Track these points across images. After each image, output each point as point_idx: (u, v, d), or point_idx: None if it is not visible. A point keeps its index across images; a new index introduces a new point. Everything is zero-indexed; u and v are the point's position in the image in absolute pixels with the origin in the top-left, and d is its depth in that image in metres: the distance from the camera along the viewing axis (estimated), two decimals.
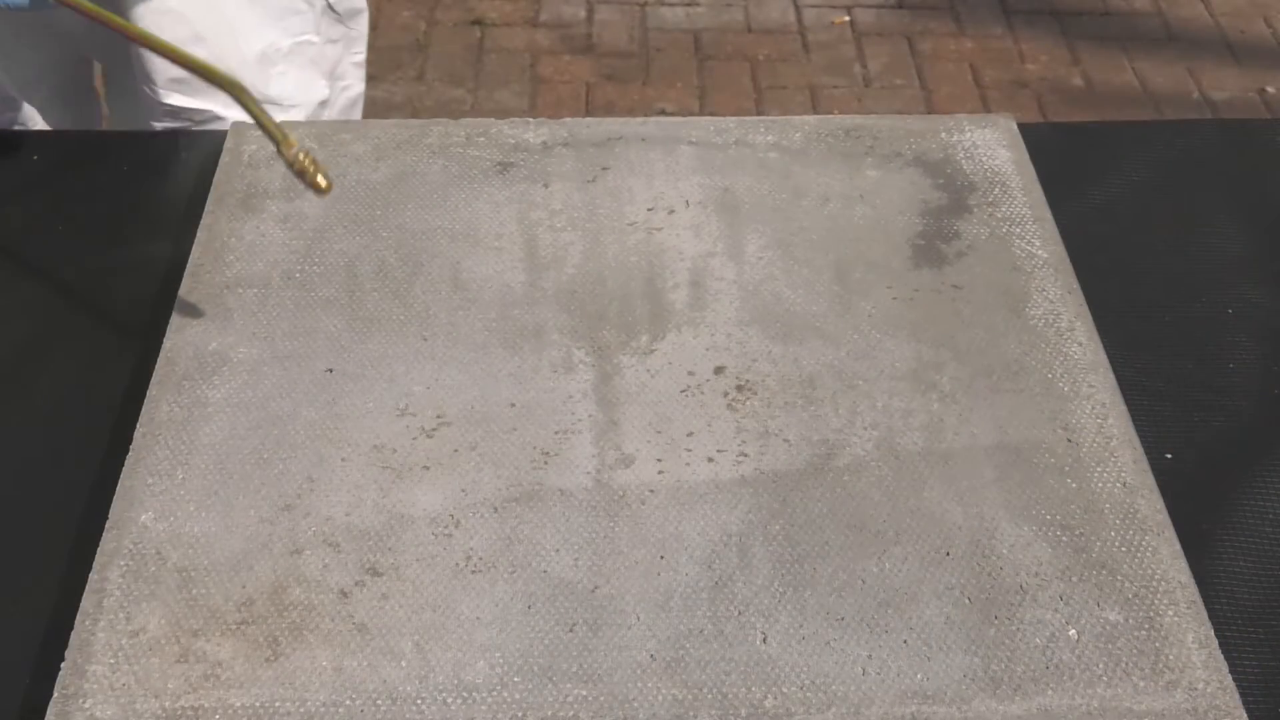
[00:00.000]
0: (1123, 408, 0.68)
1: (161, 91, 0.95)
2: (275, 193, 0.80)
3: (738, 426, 0.67)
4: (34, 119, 1.03)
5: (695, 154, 0.83)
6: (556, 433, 0.66)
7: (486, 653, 0.57)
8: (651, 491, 0.64)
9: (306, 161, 0.65)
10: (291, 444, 0.66)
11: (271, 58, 0.96)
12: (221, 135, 0.84)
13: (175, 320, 0.72)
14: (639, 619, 0.59)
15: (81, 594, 0.59)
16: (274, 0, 0.96)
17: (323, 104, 1.04)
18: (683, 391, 0.69)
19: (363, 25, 1.07)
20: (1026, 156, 0.83)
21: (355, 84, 1.08)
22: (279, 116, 0.97)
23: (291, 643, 0.58)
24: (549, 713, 0.56)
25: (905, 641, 0.58)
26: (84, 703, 0.55)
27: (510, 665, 0.57)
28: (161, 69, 0.93)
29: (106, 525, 0.62)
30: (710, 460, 0.65)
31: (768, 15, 2.44)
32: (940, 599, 0.60)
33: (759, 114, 2.16)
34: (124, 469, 0.64)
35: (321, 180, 0.66)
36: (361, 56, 1.08)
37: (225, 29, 0.93)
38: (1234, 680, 0.57)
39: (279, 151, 0.65)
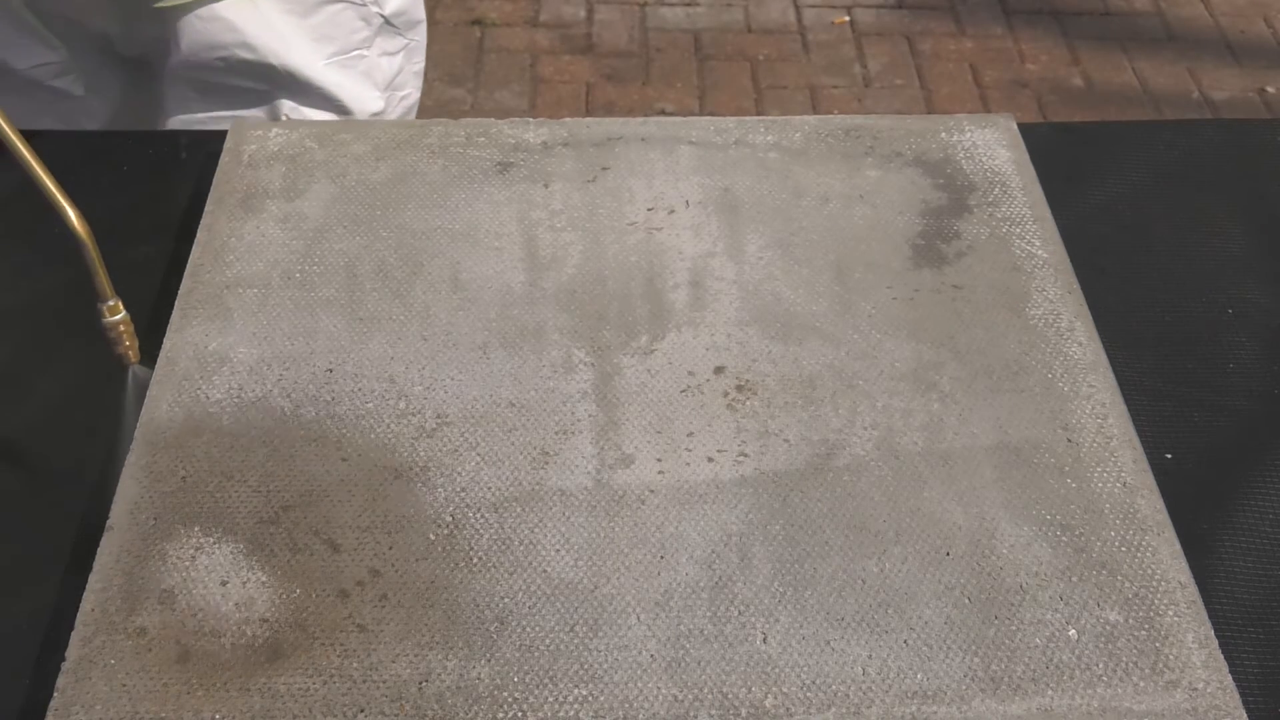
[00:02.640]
0: (1123, 408, 0.68)
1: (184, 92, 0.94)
2: (275, 193, 0.80)
3: (738, 426, 0.67)
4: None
5: (695, 154, 0.83)
6: (556, 433, 0.66)
7: (486, 653, 0.57)
8: (651, 491, 0.64)
9: (123, 330, 0.65)
10: (292, 444, 0.66)
11: (323, 71, 0.96)
12: (221, 135, 0.84)
13: (175, 320, 0.72)
14: (639, 619, 0.59)
15: (81, 594, 0.59)
16: (327, 15, 0.96)
17: (376, 115, 1.03)
18: (683, 391, 0.69)
19: (421, 35, 1.06)
20: (1026, 156, 0.83)
21: (413, 92, 1.08)
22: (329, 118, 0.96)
23: (291, 643, 0.58)
24: (549, 713, 0.56)
25: (905, 641, 0.58)
26: (83, 703, 0.55)
27: (510, 665, 0.57)
28: (190, 73, 0.92)
29: (106, 525, 0.62)
30: (710, 460, 0.65)
31: (768, 15, 2.44)
32: (940, 599, 0.60)
33: (759, 114, 2.15)
34: (124, 469, 0.64)
35: (131, 354, 0.66)
36: (420, 65, 1.08)
37: (276, 40, 0.92)
38: (1234, 680, 0.57)
39: (99, 308, 0.64)
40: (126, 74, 0.98)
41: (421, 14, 1.05)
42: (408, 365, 0.70)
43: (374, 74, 1.01)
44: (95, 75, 0.96)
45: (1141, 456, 0.66)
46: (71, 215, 0.61)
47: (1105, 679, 0.57)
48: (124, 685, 0.56)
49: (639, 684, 0.57)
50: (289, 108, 0.98)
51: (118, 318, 0.65)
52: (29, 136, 0.61)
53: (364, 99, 1.01)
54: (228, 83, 0.95)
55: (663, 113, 2.20)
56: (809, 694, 0.56)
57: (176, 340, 0.71)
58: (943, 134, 0.85)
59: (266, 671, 0.57)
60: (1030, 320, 0.73)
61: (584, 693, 0.56)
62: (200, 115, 0.97)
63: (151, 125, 0.99)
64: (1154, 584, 0.60)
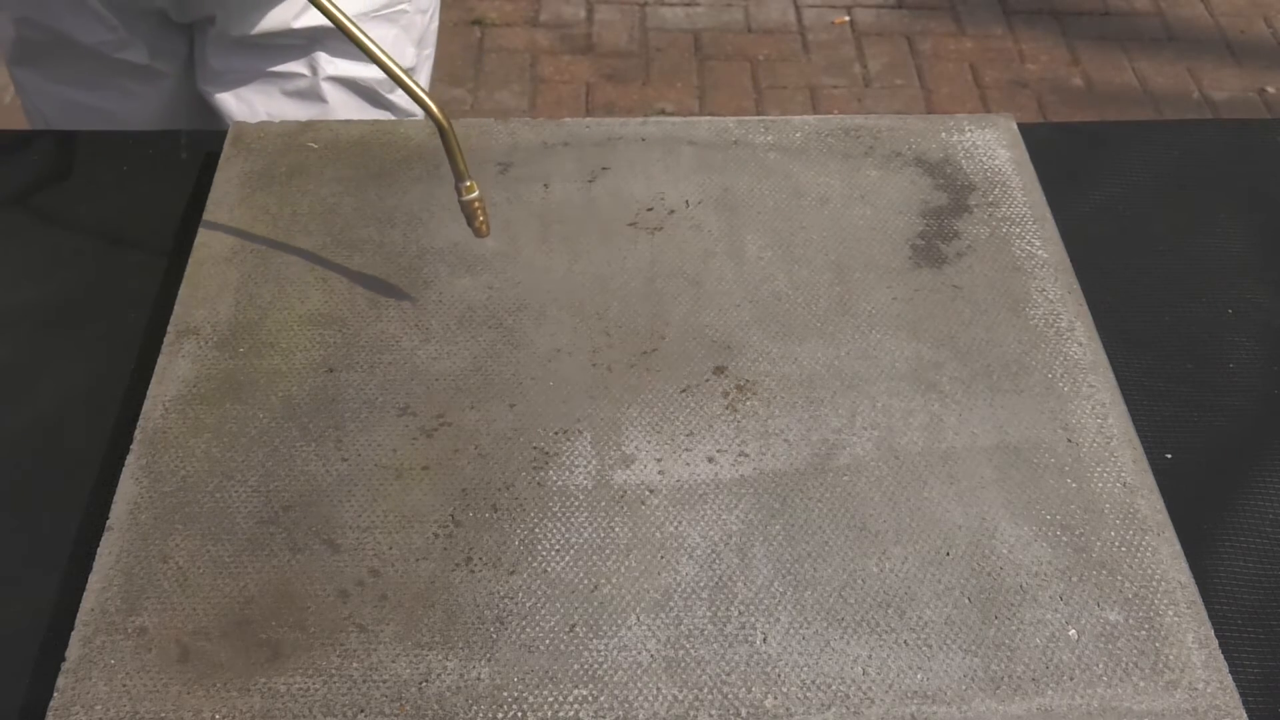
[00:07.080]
0: (1123, 408, 0.68)
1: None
2: (275, 193, 0.80)
3: (738, 426, 0.67)
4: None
5: (695, 154, 0.83)
6: (556, 433, 0.66)
7: (486, 653, 0.57)
8: (651, 491, 0.64)
9: (478, 206, 0.70)
10: (292, 444, 0.66)
11: (365, 22, 0.97)
12: (221, 135, 0.84)
13: (175, 320, 0.72)
14: (639, 619, 0.59)
15: (81, 594, 0.59)
16: None
17: (409, 71, 1.04)
18: (683, 391, 0.69)
19: None
20: (1026, 156, 0.83)
21: (432, 51, 1.11)
22: (365, 73, 0.99)
23: (291, 643, 0.58)
24: (549, 713, 0.56)
25: (905, 641, 0.58)
26: (83, 703, 0.55)
27: (510, 665, 0.57)
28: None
29: (106, 525, 0.62)
30: (710, 460, 0.65)
31: (768, 15, 2.44)
32: (940, 599, 0.60)
33: (759, 114, 2.16)
34: (124, 469, 0.64)
35: (484, 228, 0.71)
36: (437, 24, 1.11)
37: None
38: (1234, 680, 0.57)
39: (457, 187, 0.69)
40: (184, 38, 1.01)
41: None
42: (407, 365, 0.70)
43: (411, 30, 1.04)
44: (156, 44, 1.00)
45: (1141, 456, 0.66)
46: (433, 105, 0.67)
47: (1105, 679, 0.57)
48: (124, 685, 0.56)
49: (639, 684, 0.57)
50: (325, 60, 0.99)
51: (473, 196, 0.70)
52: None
53: (401, 54, 1.03)
54: (270, 41, 0.97)
55: (663, 113, 2.20)
56: (809, 694, 0.56)
57: (176, 341, 0.71)
58: (943, 134, 0.85)
59: (266, 671, 0.57)
60: (1030, 320, 0.73)
61: (584, 693, 0.56)
62: (238, 65, 0.98)
63: (203, 83, 1.02)
64: (1154, 584, 0.60)
